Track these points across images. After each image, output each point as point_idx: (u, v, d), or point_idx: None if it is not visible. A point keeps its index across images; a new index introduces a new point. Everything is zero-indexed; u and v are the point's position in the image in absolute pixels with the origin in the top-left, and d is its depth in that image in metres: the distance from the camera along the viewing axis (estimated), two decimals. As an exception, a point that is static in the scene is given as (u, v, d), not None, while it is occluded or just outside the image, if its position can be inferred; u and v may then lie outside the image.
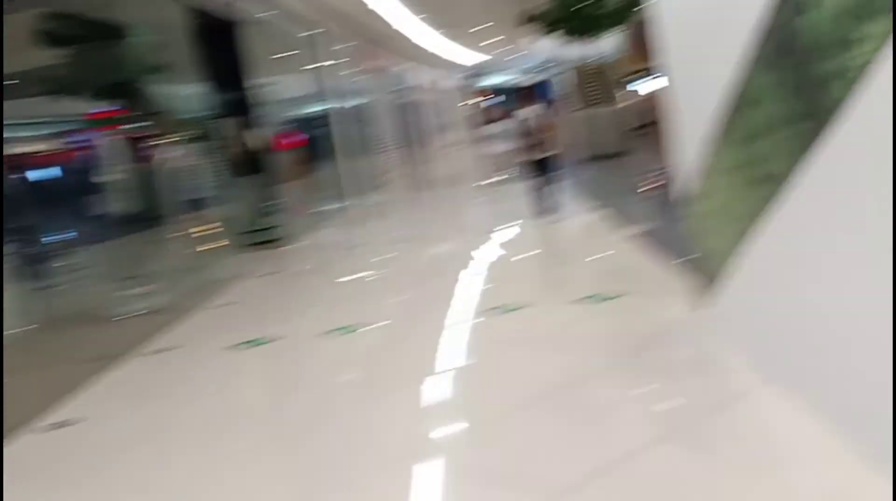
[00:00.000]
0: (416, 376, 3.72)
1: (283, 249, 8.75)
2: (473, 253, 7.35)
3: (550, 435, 2.84)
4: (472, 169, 20.72)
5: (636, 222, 8.27)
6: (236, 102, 9.28)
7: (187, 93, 8.35)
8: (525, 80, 34.31)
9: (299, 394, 3.78)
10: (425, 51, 22.74)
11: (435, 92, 27.66)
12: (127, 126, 7.58)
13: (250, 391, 4.00)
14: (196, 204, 8.27)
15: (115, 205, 8.02)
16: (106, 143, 7.46)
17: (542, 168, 8.51)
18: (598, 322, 4.23)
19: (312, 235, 9.99)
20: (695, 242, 3.75)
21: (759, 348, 3.04)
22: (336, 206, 12.46)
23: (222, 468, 3.01)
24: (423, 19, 17.77)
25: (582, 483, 2.44)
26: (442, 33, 20.91)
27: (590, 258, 6.41)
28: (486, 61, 31.67)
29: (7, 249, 6.09)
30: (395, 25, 16.49)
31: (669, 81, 3.72)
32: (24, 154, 6.97)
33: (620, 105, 16.50)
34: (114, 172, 7.55)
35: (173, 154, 8.04)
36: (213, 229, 8.22)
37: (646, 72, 27.95)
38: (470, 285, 5.78)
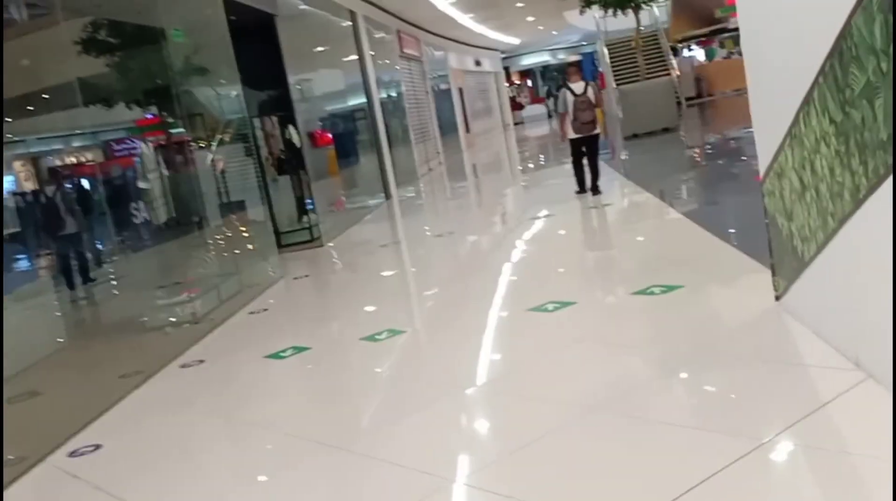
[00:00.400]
0: (455, 390, 3.37)
1: (322, 247, 8.51)
2: (519, 243, 6.97)
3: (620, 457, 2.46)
4: (513, 153, 20.27)
5: (692, 202, 7.81)
6: (276, 98, 9.09)
7: (227, 92, 8.18)
8: (570, 56, 33.50)
9: (340, 406, 3.47)
10: (465, 32, 22.27)
11: (475, 75, 27.16)
12: (168, 131, 7.45)
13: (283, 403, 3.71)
14: (236, 206, 8.08)
15: (157, 211, 7.91)
16: (148, 149, 7.34)
17: (591, 146, 8.15)
18: (661, 317, 3.82)
19: (351, 231, 9.73)
20: (772, 222, 3.31)
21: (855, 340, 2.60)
22: (377, 200, 12.19)
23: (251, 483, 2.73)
24: (454, 4, 17.30)
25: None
26: (475, 17, 20.41)
27: (644, 242, 5.96)
28: (526, 40, 31.00)
29: (48, 259, 5.99)
30: (436, 5, 16.05)
31: (747, 48, 3.29)
32: (68, 164, 6.90)
33: (675, 74, 15.77)
34: (155, 177, 7.43)
35: (214, 156, 7.89)
36: (253, 230, 8.02)
37: (694, 39, 26.98)
38: (516, 281, 5.41)
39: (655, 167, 10.22)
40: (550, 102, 31.13)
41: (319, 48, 11.57)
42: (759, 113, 3.30)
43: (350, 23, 12.39)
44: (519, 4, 19.49)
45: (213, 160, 7.79)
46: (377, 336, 4.27)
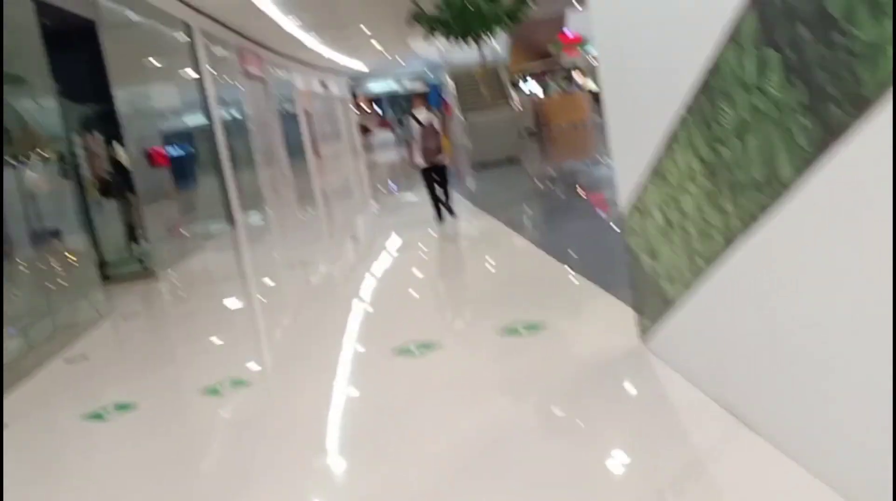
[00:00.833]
0: (309, 454, 3.00)
1: (155, 280, 7.74)
2: (375, 274, 6.67)
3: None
4: (364, 178, 20.00)
5: (542, 231, 7.91)
6: (102, 114, 8.24)
7: (38, 104, 7.27)
8: (417, 85, 33.97)
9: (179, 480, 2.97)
10: (311, 54, 21.83)
11: (323, 99, 26.70)
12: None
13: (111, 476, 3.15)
14: (49, 233, 7.14)
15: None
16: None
17: (439, 174, 8.28)
18: (525, 360, 3.66)
19: (191, 260, 8.99)
20: (634, 260, 3.25)
21: (724, 382, 2.55)
22: (219, 226, 11.43)
23: None
24: (299, 26, 16.88)
25: None
26: (322, 38, 20.07)
27: (500, 274, 5.88)
28: (373, 66, 31.03)
29: None
30: (279, 23, 15.52)
31: (602, 82, 3.23)
32: None
33: (516, 107, 16.24)
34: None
35: (27, 176, 6.96)
36: (73, 260, 7.12)
37: (532, 73, 28.25)
38: (375, 318, 5.09)
39: (505, 195, 10.35)
40: (399, 129, 31.40)
41: (152, 61, 10.72)
42: (619, 147, 3.25)
43: (187, 37, 11.63)
44: (363, 27, 19.38)
45: (35, 180, 6.91)
46: (217, 388, 3.79)
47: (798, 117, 1.82)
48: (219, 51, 13.37)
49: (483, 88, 17.16)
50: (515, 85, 19.10)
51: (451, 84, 19.39)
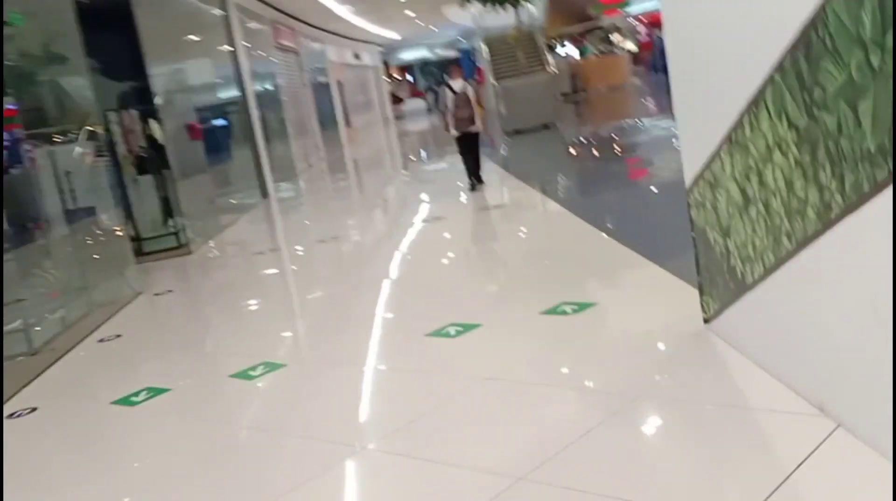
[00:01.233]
0: (347, 450, 2.82)
1: (190, 254, 7.65)
2: (409, 250, 6.45)
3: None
4: (395, 148, 19.72)
5: (586, 202, 7.57)
6: (137, 90, 8.19)
7: (74, 82, 7.25)
8: (449, 52, 33.42)
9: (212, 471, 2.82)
10: (344, 25, 21.49)
11: (355, 69, 26.39)
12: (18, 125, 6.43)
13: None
14: (84, 211, 7.08)
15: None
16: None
17: (472, 142, 8.22)
18: (578, 343, 3.41)
19: (225, 234, 8.89)
20: (700, 236, 2.97)
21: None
22: (253, 199, 11.32)
23: None
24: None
25: None
26: (356, 9, 19.70)
27: (544, 248, 5.60)
28: (406, 35, 30.55)
29: None
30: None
31: (670, 33, 2.92)
32: None
33: (553, 70, 15.77)
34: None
35: (74, 151, 6.95)
36: (109, 236, 7.06)
37: (569, 36, 27.49)
38: (411, 297, 4.85)
39: (541, 162, 10.02)
40: (430, 97, 30.97)
41: (187, 37, 10.58)
42: (686, 112, 2.94)
43: (221, 11, 11.44)
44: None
45: (82, 154, 6.91)
46: (251, 372, 3.63)
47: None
48: (253, 25, 13.19)
49: (518, 52, 16.71)
50: (552, 49, 18.54)
51: (484, 50, 18.94)
